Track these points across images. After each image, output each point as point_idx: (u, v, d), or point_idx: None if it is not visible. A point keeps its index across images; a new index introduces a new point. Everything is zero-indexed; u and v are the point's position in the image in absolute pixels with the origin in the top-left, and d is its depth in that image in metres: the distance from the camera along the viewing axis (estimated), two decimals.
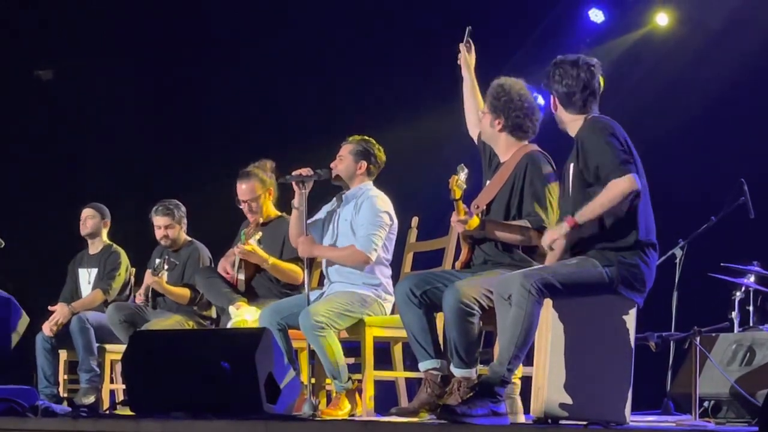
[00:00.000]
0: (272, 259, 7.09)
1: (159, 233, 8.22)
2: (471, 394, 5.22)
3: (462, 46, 6.24)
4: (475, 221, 5.70)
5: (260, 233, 7.20)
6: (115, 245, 8.69)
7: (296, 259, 7.03)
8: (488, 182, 5.96)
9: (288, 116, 11.02)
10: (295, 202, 6.66)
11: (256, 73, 10.94)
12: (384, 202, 6.61)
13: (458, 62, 6.26)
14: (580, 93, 5.38)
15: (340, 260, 6.57)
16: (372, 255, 6.51)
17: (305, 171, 6.60)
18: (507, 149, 5.93)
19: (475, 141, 6.22)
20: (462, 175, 5.66)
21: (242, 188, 7.32)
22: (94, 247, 8.72)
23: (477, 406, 5.04)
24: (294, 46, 10.83)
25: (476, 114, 6.19)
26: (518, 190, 5.80)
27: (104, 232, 8.73)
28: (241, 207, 7.36)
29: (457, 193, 5.65)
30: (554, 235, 5.23)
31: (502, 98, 5.89)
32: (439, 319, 5.87)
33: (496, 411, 5.08)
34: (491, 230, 5.75)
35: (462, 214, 5.68)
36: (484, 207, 5.83)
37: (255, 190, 7.31)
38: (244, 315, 6.88)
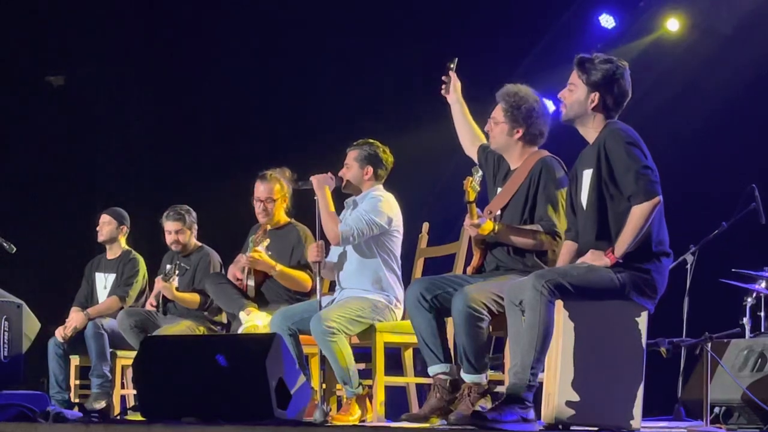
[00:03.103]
0: (279, 266, 7.08)
1: (170, 238, 8.23)
2: (499, 401, 5.18)
3: (452, 76, 6.16)
4: (488, 225, 5.68)
5: (268, 240, 7.20)
6: (133, 252, 8.70)
7: (305, 267, 7.03)
8: (500, 189, 5.94)
9: (301, 122, 11.03)
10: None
11: (270, 78, 10.95)
12: (386, 205, 6.58)
13: (442, 92, 6.19)
14: (623, 99, 5.32)
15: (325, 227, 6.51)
16: (345, 235, 6.43)
17: (322, 177, 6.59)
18: (520, 156, 5.92)
19: (475, 159, 6.16)
20: (477, 177, 5.65)
21: (261, 188, 7.33)
22: (112, 253, 8.73)
23: (507, 413, 5.01)
24: (307, 51, 10.84)
25: (472, 135, 6.17)
26: (532, 194, 5.79)
27: (122, 238, 8.73)
28: (255, 206, 7.35)
29: (471, 195, 5.64)
30: (596, 263, 5.17)
31: (522, 106, 5.84)
32: (449, 323, 5.86)
33: (525, 417, 5.06)
34: (504, 235, 5.74)
35: (475, 217, 5.67)
36: (498, 212, 5.82)
37: (274, 192, 7.32)
38: (255, 321, 6.88)
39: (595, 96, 5.28)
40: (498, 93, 5.94)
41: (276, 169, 7.37)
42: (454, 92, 6.20)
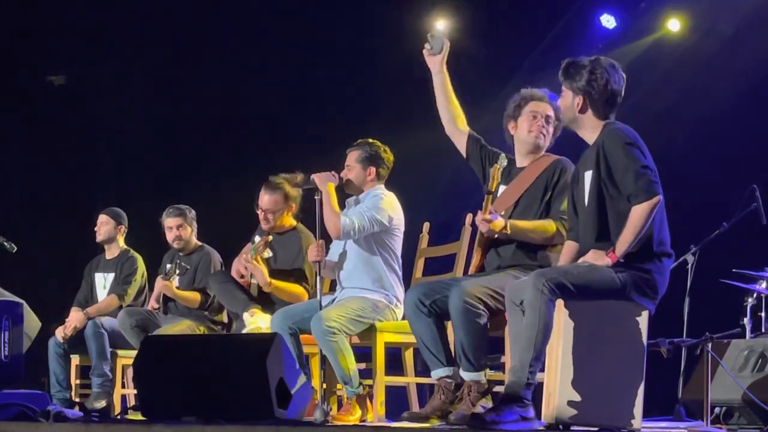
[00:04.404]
0: (274, 282, 7.01)
1: (171, 234, 8.21)
2: (497, 401, 5.17)
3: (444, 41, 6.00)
4: (500, 223, 5.67)
5: (268, 251, 7.16)
6: (132, 251, 8.70)
7: (302, 278, 7.02)
8: (503, 188, 5.93)
9: (303, 121, 11.03)
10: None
11: (272, 77, 10.95)
12: (388, 204, 6.57)
13: (424, 52, 6.01)
14: (612, 98, 5.33)
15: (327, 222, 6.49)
16: (346, 229, 6.40)
17: (324, 174, 6.58)
18: (534, 157, 5.93)
19: (458, 143, 6.11)
20: (503, 165, 5.67)
21: (265, 198, 7.22)
22: (111, 252, 8.73)
23: (505, 413, 4.98)
24: (309, 51, 10.83)
25: (455, 113, 6.08)
26: (549, 193, 5.80)
27: (120, 238, 8.73)
28: (257, 212, 7.32)
29: (495, 185, 5.64)
30: (597, 262, 5.16)
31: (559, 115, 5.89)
32: (450, 327, 5.85)
33: (525, 416, 5.04)
34: (515, 230, 5.72)
35: (487, 212, 5.65)
36: (503, 212, 5.80)
37: (277, 203, 7.21)
38: (258, 322, 6.86)
39: (579, 99, 5.32)
40: (545, 97, 5.94)
41: (287, 174, 7.20)
42: (440, 61, 6.00)
